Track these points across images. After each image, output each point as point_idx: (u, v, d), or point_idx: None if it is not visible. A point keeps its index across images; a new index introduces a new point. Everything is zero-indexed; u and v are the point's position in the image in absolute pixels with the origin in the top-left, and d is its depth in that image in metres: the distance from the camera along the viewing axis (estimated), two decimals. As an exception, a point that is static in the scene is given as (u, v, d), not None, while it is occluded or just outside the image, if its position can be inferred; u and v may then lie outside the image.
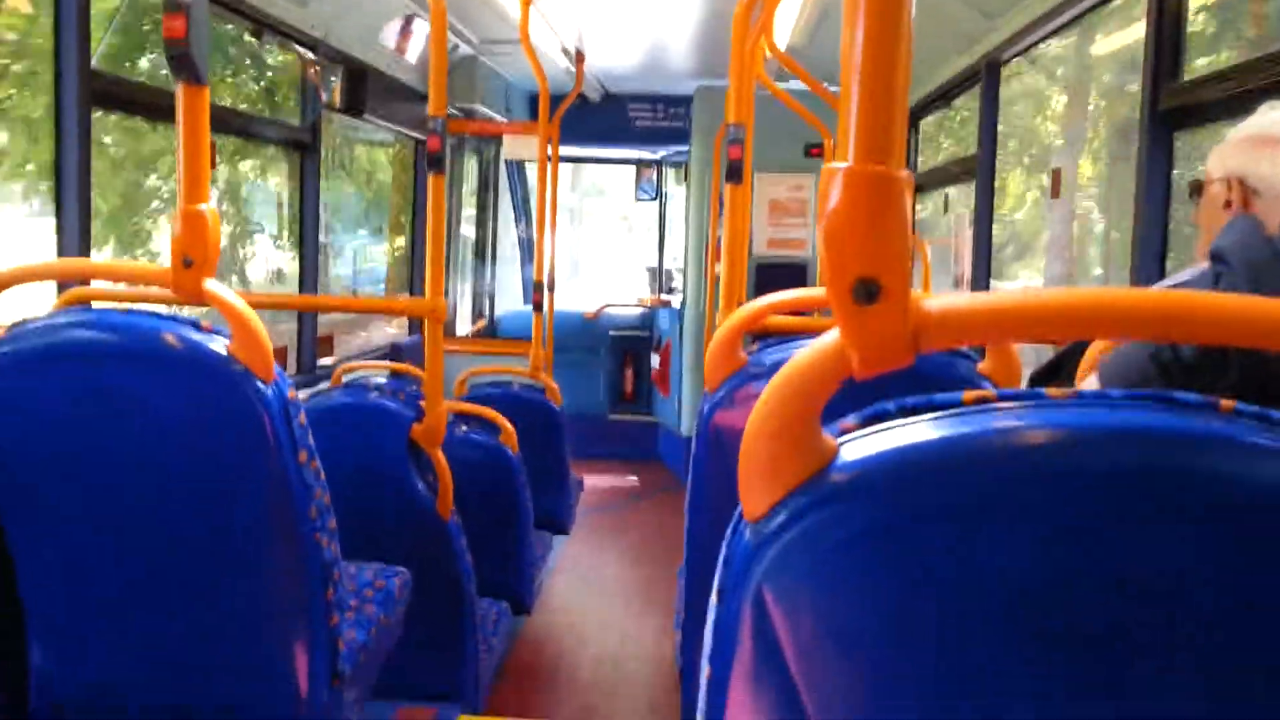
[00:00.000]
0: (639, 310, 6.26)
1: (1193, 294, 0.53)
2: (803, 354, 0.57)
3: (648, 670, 3.12)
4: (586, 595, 3.85)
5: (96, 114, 2.18)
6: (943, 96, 3.76)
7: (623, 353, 6.11)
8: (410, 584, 1.92)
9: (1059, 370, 1.24)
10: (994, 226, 3.21)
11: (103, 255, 2.91)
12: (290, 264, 3.76)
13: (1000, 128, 3.15)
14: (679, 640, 1.92)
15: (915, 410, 0.59)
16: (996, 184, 3.20)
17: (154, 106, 2.42)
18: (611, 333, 6.13)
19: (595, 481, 5.31)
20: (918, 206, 4.40)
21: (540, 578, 3.40)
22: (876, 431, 0.59)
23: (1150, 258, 2.07)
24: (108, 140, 2.92)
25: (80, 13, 2.06)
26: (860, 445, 0.58)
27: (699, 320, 5.18)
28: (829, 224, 0.53)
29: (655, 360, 5.95)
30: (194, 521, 1.33)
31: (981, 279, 3.27)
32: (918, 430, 0.58)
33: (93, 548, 1.36)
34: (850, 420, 0.61)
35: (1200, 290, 1.03)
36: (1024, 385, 1.37)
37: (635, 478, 5.66)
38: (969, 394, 0.59)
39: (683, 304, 5.59)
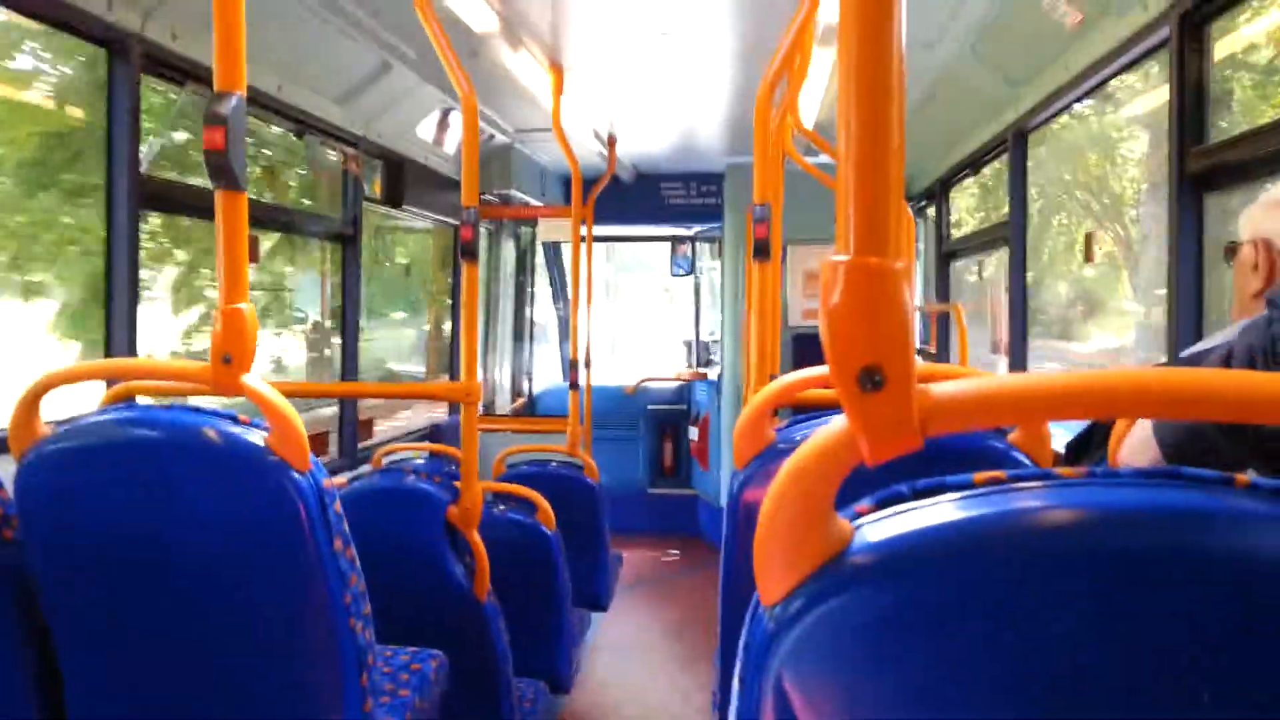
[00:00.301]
0: (676, 384, 6.28)
1: (1198, 373, 0.53)
2: (814, 440, 0.57)
3: None
4: (627, 673, 3.79)
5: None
6: (972, 164, 3.79)
7: (661, 426, 6.11)
8: (446, 667, 1.91)
9: (1090, 440, 1.23)
10: (1061, 285, 3.18)
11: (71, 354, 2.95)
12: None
13: (1065, 177, 3.13)
14: None
15: (929, 492, 0.60)
16: (1065, 239, 3.18)
17: (199, 208, 2.52)
18: (649, 407, 6.14)
19: (635, 556, 5.26)
20: (952, 271, 4.40)
21: (579, 656, 3.37)
22: (891, 515, 0.59)
23: (1187, 320, 2.05)
24: (68, 221, 2.85)
25: (131, 119, 2.17)
26: (876, 529, 0.58)
27: (736, 393, 5.18)
28: (831, 316, 0.54)
29: (694, 433, 5.94)
30: (232, 608, 1.35)
31: (1018, 342, 3.24)
32: (933, 513, 0.58)
33: (133, 634, 1.39)
34: (865, 503, 0.61)
35: (1249, 339, 1.02)
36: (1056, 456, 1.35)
37: (676, 552, 5.61)
38: (980, 475, 0.59)
39: (720, 376, 5.60)
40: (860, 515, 0.60)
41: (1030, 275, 3.26)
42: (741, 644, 0.63)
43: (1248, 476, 0.56)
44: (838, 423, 0.56)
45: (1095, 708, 0.52)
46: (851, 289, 0.53)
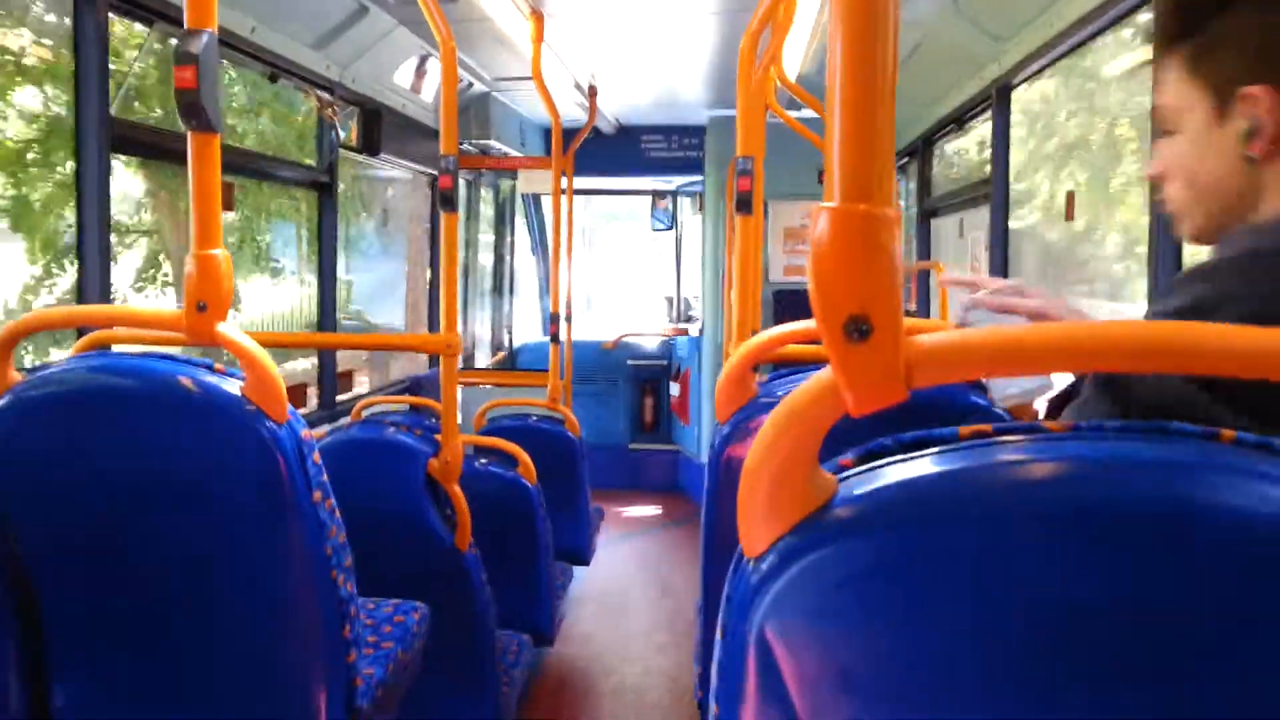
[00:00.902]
0: (658, 340, 6.28)
1: (1193, 326, 0.52)
2: (798, 392, 0.57)
3: (669, 701, 3.10)
4: (609, 626, 3.83)
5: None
6: (955, 121, 3.77)
7: (642, 382, 6.12)
8: (429, 618, 1.91)
9: (1072, 398, 1.23)
10: (1111, 237, 3.14)
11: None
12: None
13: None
14: (697, 674, 1.91)
15: (914, 445, 0.59)
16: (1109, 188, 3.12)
17: (172, 151, 2.47)
18: (630, 363, 6.15)
19: (617, 511, 5.30)
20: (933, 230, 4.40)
21: (561, 609, 3.40)
22: (875, 468, 0.59)
23: (1166, 274, 2.06)
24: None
25: (100, 60, 2.11)
26: (859, 482, 0.58)
27: (717, 349, 5.19)
28: (818, 263, 0.53)
29: (675, 389, 5.96)
30: (210, 561, 1.34)
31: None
32: (917, 466, 0.57)
33: (111, 588, 1.38)
34: (849, 456, 0.61)
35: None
36: (1041, 412, 1.36)
37: (658, 507, 5.65)
38: (965, 429, 0.58)
39: (700, 332, 5.60)
40: (844, 469, 0.60)
41: (1074, 225, 3.14)
42: (724, 596, 0.63)
43: (1232, 431, 0.56)
44: (823, 374, 0.56)
45: (1081, 662, 0.52)
46: (840, 236, 0.52)
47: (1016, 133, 3.24)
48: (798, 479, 0.57)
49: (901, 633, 0.55)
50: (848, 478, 0.59)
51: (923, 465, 0.57)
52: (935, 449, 0.58)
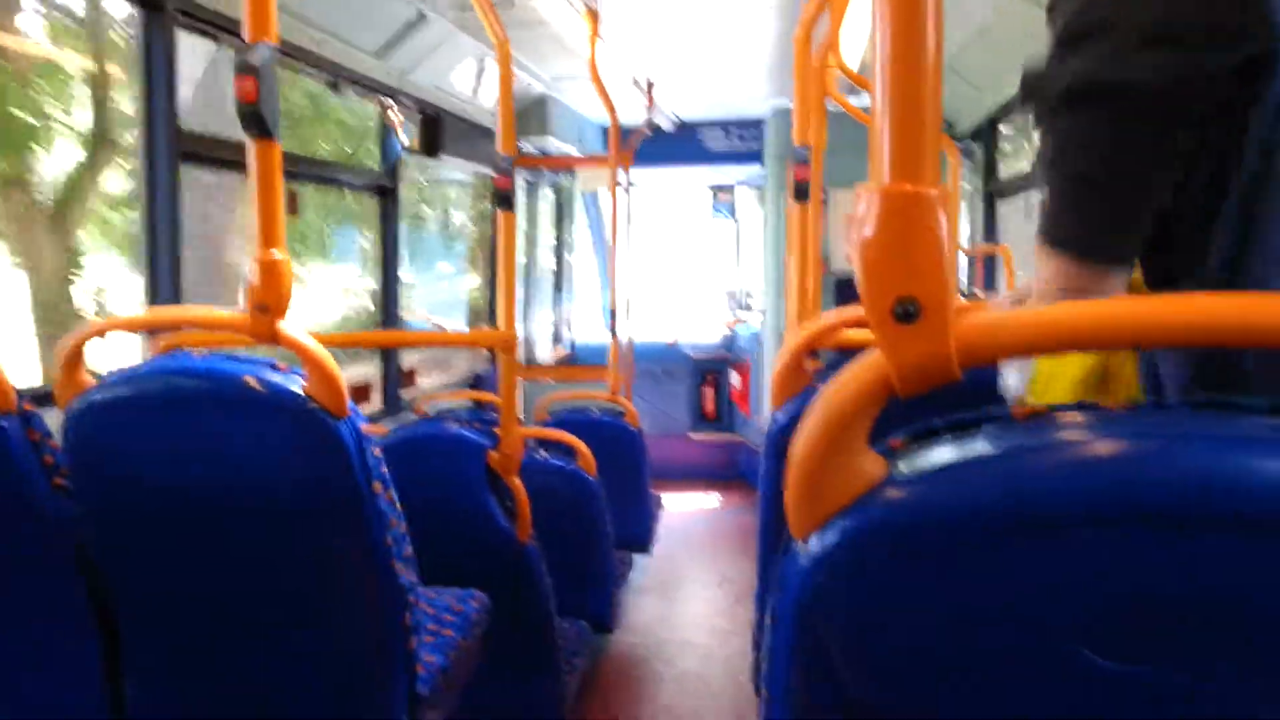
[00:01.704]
0: (718, 332, 6.27)
1: (1255, 298, 0.50)
2: (844, 375, 0.56)
3: (731, 689, 3.09)
4: (669, 613, 3.84)
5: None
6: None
7: (703, 373, 6.11)
8: (489, 607, 1.94)
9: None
10: None
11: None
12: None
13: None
14: (753, 660, 1.90)
15: (966, 425, 0.58)
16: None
17: (237, 162, 2.54)
18: (691, 354, 6.14)
19: (678, 501, 5.30)
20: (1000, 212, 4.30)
21: (621, 597, 3.41)
22: (926, 448, 0.58)
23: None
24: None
25: (168, 75, 2.18)
26: (909, 462, 0.57)
27: (778, 339, 5.14)
28: (864, 246, 0.52)
29: (735, 379, 5.93)
30: (276, 554, 1.38)
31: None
32: (971, 445, 0.56)
33: (183, 582, 1.43)
34: (899, 438, 0.60)
35: None
36: None
37: (718, 495, 5.64)
38: (1020, 408, 0.57)
39: (762, 322, 5.57)
40: (894, 450, 0.59)
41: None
42: (775, 580, 0.62)
43: None
44: (869, 356, 0.55)
45: (1141, 644, 0.51)
46: (885, 217, 0.52)
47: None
48: (846, 461, 0.56)
49: (950, 612, 0.54)
50: (898, 459, 0.58)
51: (976, 445, 0.56)
52: (988, 429, 0.57)
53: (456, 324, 5.12)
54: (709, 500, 5.59)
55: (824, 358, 1.63)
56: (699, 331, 6.25)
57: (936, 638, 0.54)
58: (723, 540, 4.84)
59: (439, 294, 5.12)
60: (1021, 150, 4.27)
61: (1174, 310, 0.51)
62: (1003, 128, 4.22)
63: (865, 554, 0.55)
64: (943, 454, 0.56)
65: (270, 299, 1.29)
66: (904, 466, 0.56)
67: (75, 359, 1.44)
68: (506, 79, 2.13)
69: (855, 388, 0.55)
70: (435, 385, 4.22)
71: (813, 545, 0.57)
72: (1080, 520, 0.52)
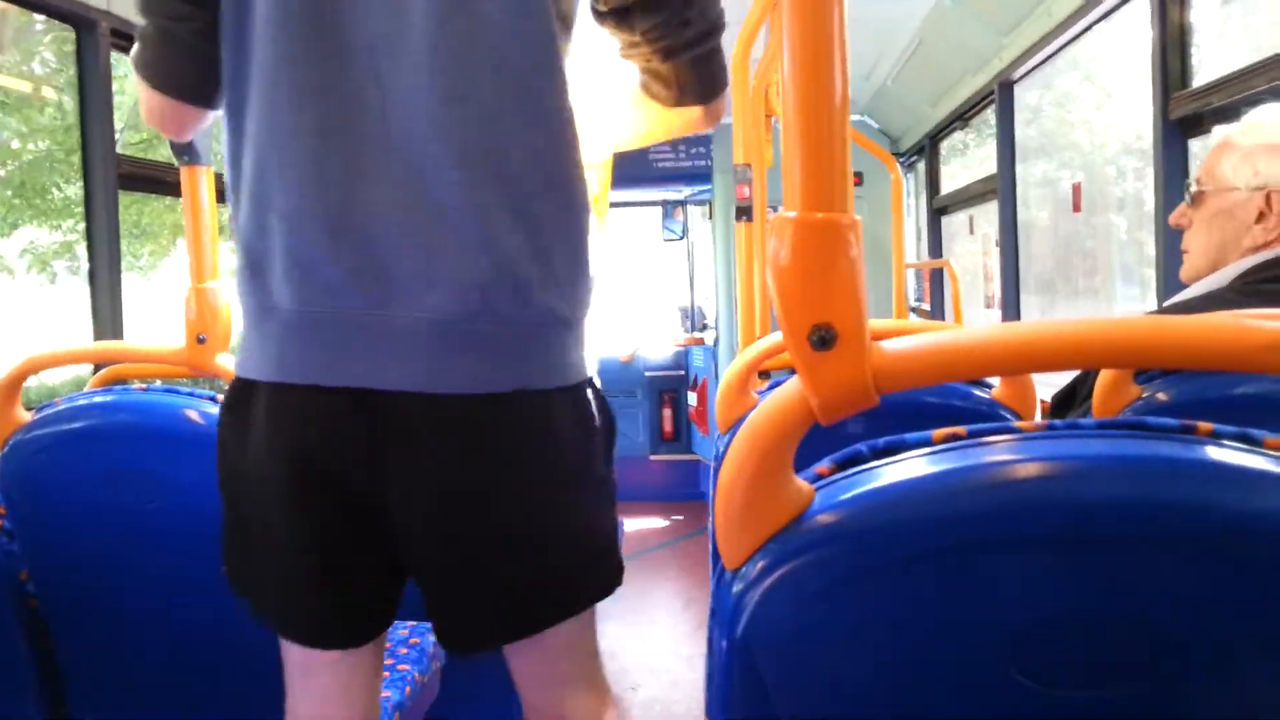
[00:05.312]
0: (674, 350, 6.27)
1: (1155, 320, 0.52)
2: (768, 403, 0.57)
3: (698, 715, 3.08)
4: (631, 638, 3.82)
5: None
6: (960, 117, 3.75)
7: (660, 393, 6.11)
8: None
9: (1075, 394, 1.22)
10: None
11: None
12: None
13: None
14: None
15: (889, 450, 0.59)
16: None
17: (175, 186, 2.50)
18: (648, 374, 6.14)
19: (640, 523, 5.28)
20: (944, 228, 4.37)
21: None
22: (850, 475, 0.58)
23: (1175, 267, 2.04)
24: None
25: (105, 103, 2.14)
26: (834, 490, 0.58)
27: (732, 358, 5.16)
28: (780, 274, 0.53)
29: (693, 399, 5.94)
30: (219, 588, 1.35)
31: (1009, 295, 3.23)
32: (892, 471, 0.57)
33: (124, 619, 1.39)
34: (825, 464, 0.61)
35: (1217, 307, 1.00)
36: (1039, 410, 1.34)
37: (680, 516, 5.63)
38: (938, 432, 0.58)
39: (715, 341, 5.59)
40: (821, 477, 0.60)
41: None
42: (710, 609, 0.62)
43: (1209, 425, 0.55)
44: (792, 384, 0.55)
45: (1064, 663, 0.52)
46: (798, 246, 0.52)
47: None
48: (772, 489, 0.57)
49: (883, 639, 0.55)
50: (824, 486, 0.58)
51: (896, 471, 0.57)
52: (909, 454, 0.58)
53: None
54: (671, 521, 5.58)
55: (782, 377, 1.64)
56: (655, 348, 6.26)
57: (867, 663, 0.55)
58: (686, 560, 4.83)
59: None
60: (968, 164, 4.35)
61: (1101, 334, 0.52)
62: (944, 145, 4.31)
63: (793, 582, 0.56)
64: (867, 480, 0.57)
65: (207, 329, 1.27)
66: (829, 494, 0.57)
67: (11, 393, 1.40)
68: None
69: (778, 416, 0.56)
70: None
71: (743, 574, 0.57)
72: (1001, 544, 0.53)
